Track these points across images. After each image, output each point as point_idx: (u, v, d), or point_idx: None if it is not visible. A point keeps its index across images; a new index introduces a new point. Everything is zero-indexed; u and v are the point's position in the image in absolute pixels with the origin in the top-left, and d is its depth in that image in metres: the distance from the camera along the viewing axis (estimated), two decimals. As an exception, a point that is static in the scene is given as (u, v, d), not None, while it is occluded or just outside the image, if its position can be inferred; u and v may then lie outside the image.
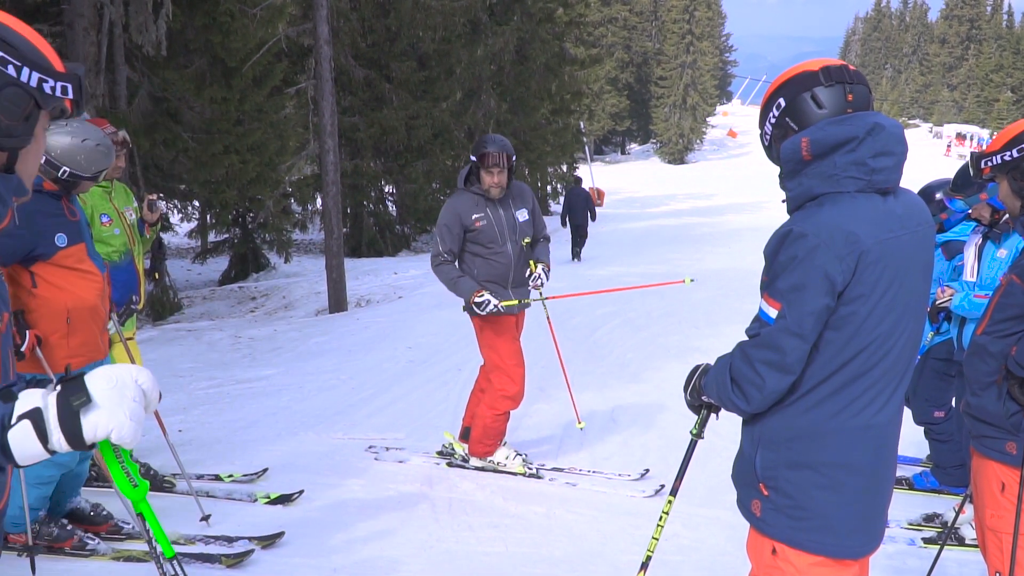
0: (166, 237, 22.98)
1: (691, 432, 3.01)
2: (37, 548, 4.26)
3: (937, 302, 5.13)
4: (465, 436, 6.21)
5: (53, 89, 1.84)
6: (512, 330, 5.88)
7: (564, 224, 21.59)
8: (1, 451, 1.55)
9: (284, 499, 5.41)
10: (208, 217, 20.22)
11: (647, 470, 5.96)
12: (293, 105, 20.68)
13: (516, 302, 5.76)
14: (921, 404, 5.64)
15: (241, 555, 4.56)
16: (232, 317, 15.10)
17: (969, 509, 4.27)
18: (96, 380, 1.59)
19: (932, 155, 57.30)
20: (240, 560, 4.53)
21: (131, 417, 1.59)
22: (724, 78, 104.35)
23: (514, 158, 5.72)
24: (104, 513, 4.82)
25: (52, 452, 1.57)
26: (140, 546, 4.68)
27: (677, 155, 73.25)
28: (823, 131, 2.39)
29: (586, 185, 25.71)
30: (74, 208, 4.50)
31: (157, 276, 15.16)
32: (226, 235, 21.30)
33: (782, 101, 2.51)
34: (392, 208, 26.81)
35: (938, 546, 4.36)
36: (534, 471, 5.99)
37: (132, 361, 5.23)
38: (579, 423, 6.93)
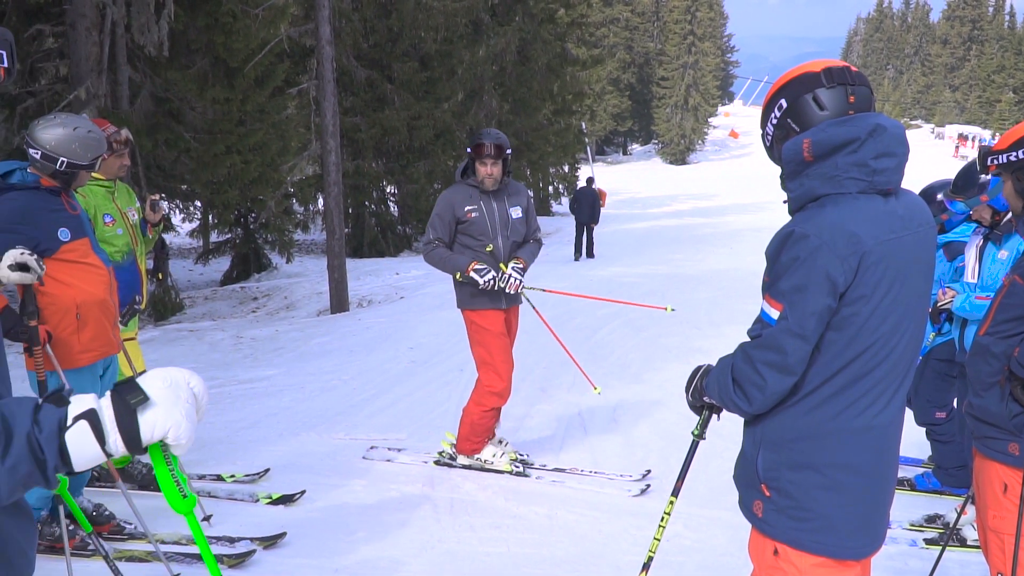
0: (168, 237, 23.00)
1: (693, 433, 3.01)
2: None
3: (938, 304, 5.13)
4: None
5: None
6: (501, 326, 5.90)
7: (573, 212, 22.17)
8: (59, 455, 1.50)
9: (286, 499, 5.41)
10: (210, 217, 20.22)
11: (649, 471, 5.96)
12: (295, 105, 20.69)
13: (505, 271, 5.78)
14: (923, 405, 5.64)
15: (243, 555, 4.56)
16: (234, 317, 15.10)
17: (971, 510, 4.28)
18: (151, 380, 1.56)
19: (939, 156, 57.24)
20: (242, 560, 4.53)
21: (187, 417, 1.57)
22: (726, 79, 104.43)
23: (509, 151, 5.80)
24: (107, 513, 4.82)
25: (109, 455, 1.53)
26: (142, 546, 4.69)
27: (679, 156, 73.34)
28: (825, 132, 2.39)
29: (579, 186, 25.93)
30: (74, 203, 4.51)
31: (160, 276, 15.17)
32: (228, 235, 21.31)
33: (784, 102, 2.51)
34: (394, 208, 26.84)
35: (940, 547, 4.36)
36: (520, 469, 6.00)
37: (131, 362, 5.23)
38: (595, 389, 6.96)
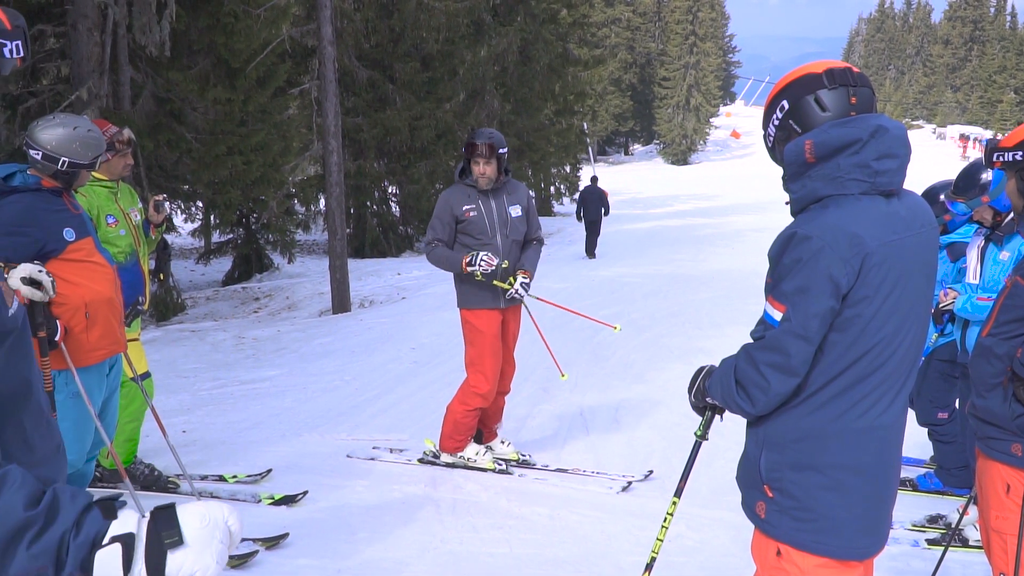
0: (169, 237, 23.01)
1: (695, 433, 3.01)
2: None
3: (940, 305, 5.13)
4: (478, 439, 6.26)
5: (11, 52, 1.79)
6: (496, 328, 5.91)
7: (579, 219, 22.14)
8: (81, 569, 1.44)
9: (288, 500, 5.41)
10: (212, 218, 20.21)
11: (651, 471, 5.97)
12: (297, 106, 20.67)
13: (503, 276, 5.80)
14: (925, 405, 5.64)
15: (245, 556, 4.56)
16: (235, 318, 15.11)
17: (973, 510, 4.28)
18: (189, 517, 1.51)
19: (944, 157, 57.19)
20: (244, 561, 4.53)
21: (218, 560, 1.51)
22: (727, 79, 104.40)
23: (504, 150, 5.81)
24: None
25: None
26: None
27: (680, 156, 73.29)
28: (827, 134, 2.39)
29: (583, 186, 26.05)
30: (75, 203, 4.52)
31: (162, 277, 15.15)
32: (230, 236, 21.30)
33: (786, 103, 2.51)
34: (395, 209, 26.83)
35: (942, 547, 4.36)
36: (504, 468, 6.01)
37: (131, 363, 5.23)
38: (563, 375, 6.96)
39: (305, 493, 5.49)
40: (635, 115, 75.38)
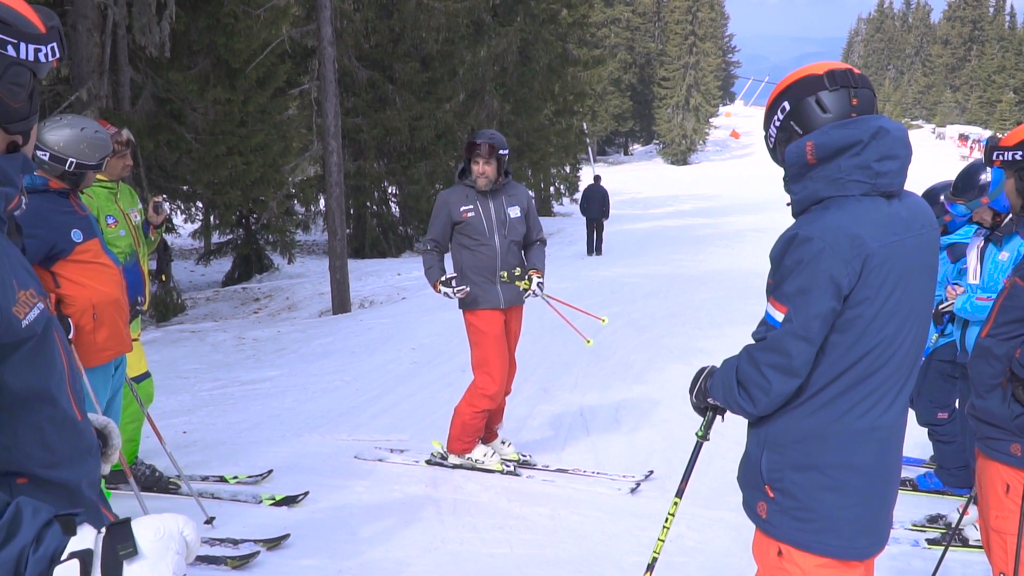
0: (169, 238, 23.01)
1: (696, 434, 3.02)
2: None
3: (941, 306, 5.14)
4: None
5: (46, 56, 1.81)
6: (499, 329, 5.92)
7: (584, 214, 22.88)
8: (44, 567, 1.47)
9: (289, 500, 5.42)
10: (212, 218, 20.21)
11: (651, 471, 5.97)
12: (296, 106, 20.67)
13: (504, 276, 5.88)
14: (925, 405, 5.65)
15: (246, 557, 4.57)
16: (236, 318, 15.11)
17: (973, 510, 4.29)
18: (144, 529, 1.54)
19: (944, 157, 57.20)
20: (245, 562, 4.54)
21: (173, 571, 1.54)
22: (727, 79, 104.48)
23: (504, 152, 5.82)
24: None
25: None
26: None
27: (680, 156, 73.35)
28: (828, 135, 2.40)
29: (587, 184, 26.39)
30: (82, 204, 4.53)
31: (163, 278, 15.14)
32: (229, 236, 21.31)
33: (787, 104, 2.52)
34: (395, 209, 26.84)
35: (942, 547, 4.37)
36: (511, 469, 6.02)
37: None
38: (588, 341, 7.07)
39: (306, 494, 5.49)
40: (635, 115, 75.44)
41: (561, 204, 38.50)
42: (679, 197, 42.59)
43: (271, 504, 5.40)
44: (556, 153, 33.15)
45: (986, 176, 4.78)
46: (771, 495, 2.52)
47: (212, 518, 5.05)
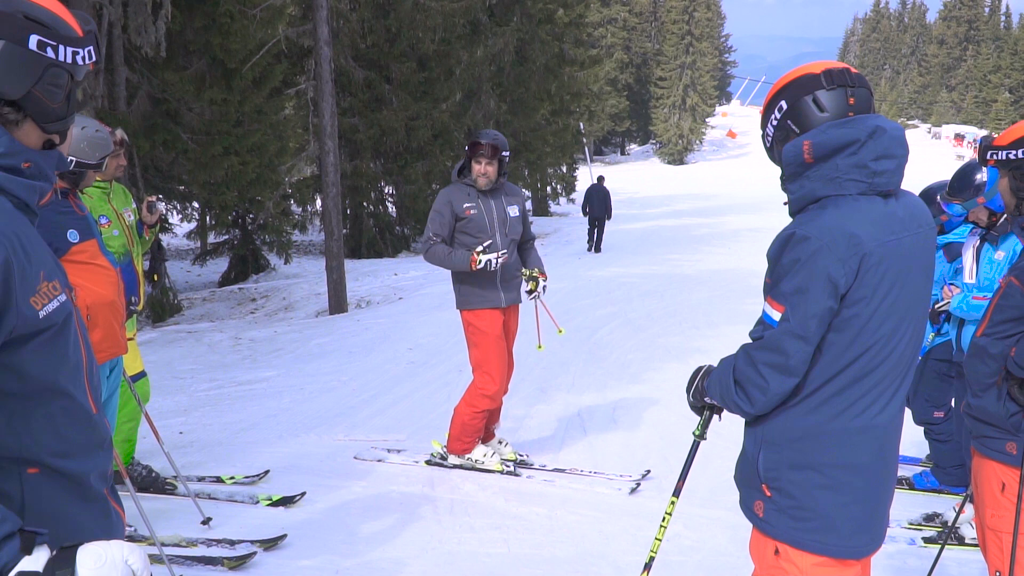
0: (165, 238, 23.01)
1: (694, 433, 3.02)
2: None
3: (936, 306, 5.14)
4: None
5: (83, 58, 1.87)
6: (499, 328, 5.92)
7: (585, 214, 23.32)
8: None
9: (286, 501, 5.41)
10: (208, 218, 20.23)
11: (648, 471, 5.97)
12: (293, 106, 20.70)
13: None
14: (921, 404, 5.66)
15: (243, 558, 4.56)
16: (232, 319, 15.10)
17: (969, 509, 4.29)
18: (85, 557, 1.58)
19: (943, 156, 57.31)
20: (242, 563, 4.53)
21: None
22: (723, 79, 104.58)
23: (506, 154, 5.82)
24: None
25: None
26: (143, 548, 4.68)
27: (677, 156, 73.39)
28: (825, 134, 2.40)
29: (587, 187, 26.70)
30: (81, 204, 4.52)
31: (156, 277, 15.15)
32: (226, 236, 21.31)
33: (784, 104, 2.52)
34: (392, 209, 26.84)
35: (938, 545, 4.37)
36: (511, 469, 6.01)
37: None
38: (559, 330, 6.90)
39: (303, 494, 5.49)
40: (631, 115, 75.44)
41: (558, 204, 38.51)
42: (676, 197, 42.61)
43: (268, 504, 5.39)
44: (553, 153, 33.18)
45: (982, 176, 4.79)
46: (768, 494, 2.52)
47: (209, 519, 5.05)
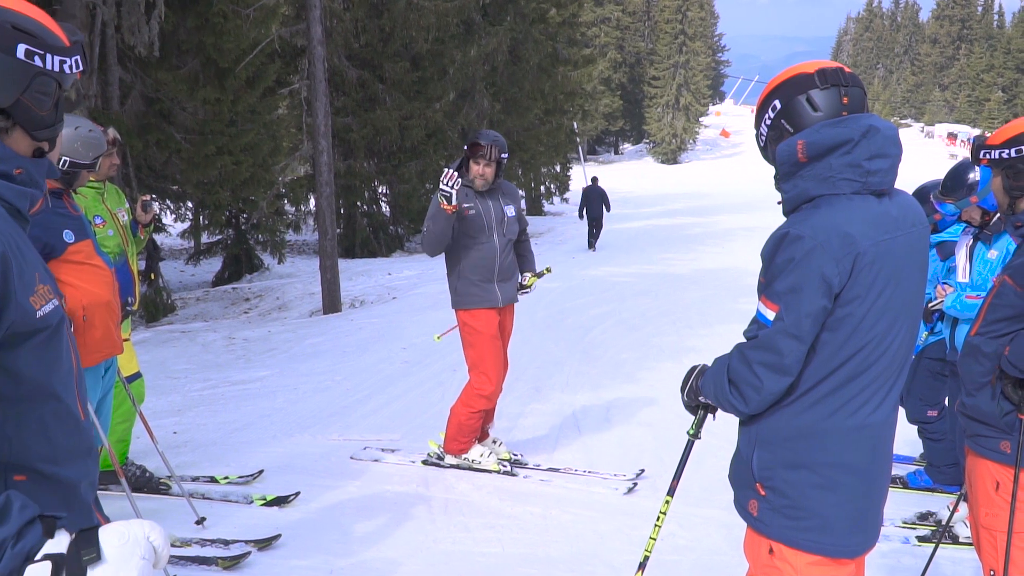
0: (159, 238, 22.95)
1: (688, 432, 3.02)
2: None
3: (930, 304, 5.15)
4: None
5: (71, 67, 1.92)
6: (495, 328, 5.92)
7: (581, 216, 23.62)
8: (19, 562, 1.56)
9: (280, 501, 5.41)
10: (201, 218, 20.19)
11: (642, 470, 5.98)
12: (286, 106, 20.67)
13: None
14: (915, 403, 5.67)
15: (237, 557, 4.56)
16: (226, 318, 15.08)
17: (963, 507, 4.30)
18: (108, 535, 1.61)
19: (944, 156, 57.42)
20: (237, 562, 4.53)
21: (139, 574, 1.61)
22: (717, 78, 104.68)
23: (505, 155, 5.82)
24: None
25: None
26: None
27: (670, 155, 73.43)
28: (819, 133, 2.40)
29: (581, 186, 26.96)
30: (75, 204, 4.51)
31: (152, 277, 15.11)
32: (219, 236, 21.27)
33: (778, 103, 2.52)
34: (385, 208, 26.81)
35: (932, 544, 4.38)
36: (508, 469, 6.01)
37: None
38: (547, 268, 6.58)
39: (297, 494, 5.48)
40: (625, 114, 75.49)
41: (551, 203, 38.51)
42: (669, 196, 42.64)
43: (262, 504, 5.39)
44: (546, 152, 33.20)
45: (975, 175, 4.80)
46: (762, 493, 2.52)
47: (203, 518, 5.04)
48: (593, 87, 51.67)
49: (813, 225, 2.35)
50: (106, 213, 5.44)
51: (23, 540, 1.56)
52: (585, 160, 45.86)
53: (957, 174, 4.92)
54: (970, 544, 4.50)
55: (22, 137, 1.89)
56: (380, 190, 26.49)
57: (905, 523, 5.24)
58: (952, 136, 71.19)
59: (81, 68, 1.94)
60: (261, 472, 5.91)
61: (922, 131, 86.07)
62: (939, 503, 5.49)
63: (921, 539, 5.00)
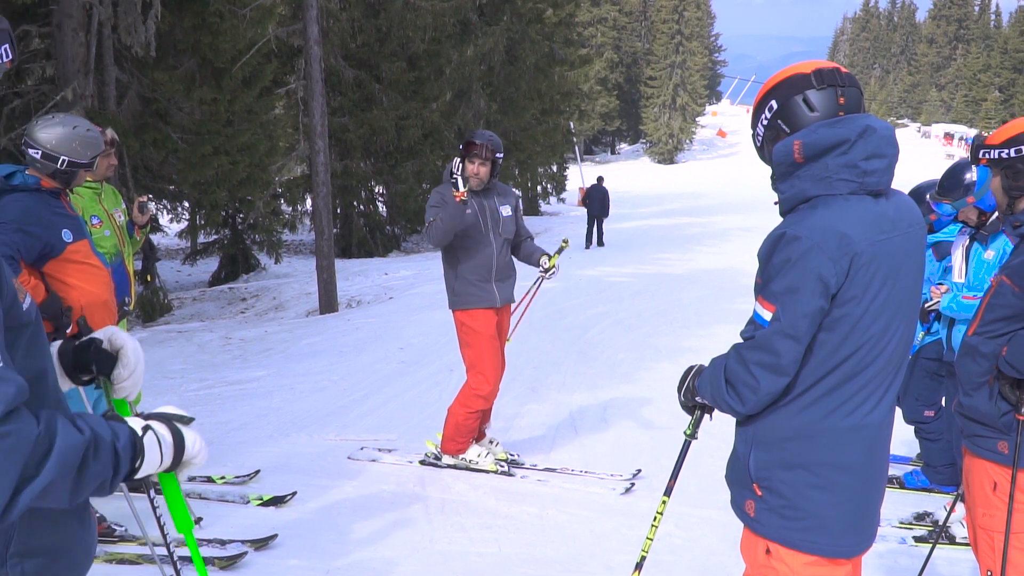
0: (156, 238, 22.93)
1: (685, 433, 3.02)
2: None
3: (926, 305, 5.15)
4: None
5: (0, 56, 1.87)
6: (493, 328, 5.91)
7: (585, 205, 24.83)
8: (133, 458, 1.71)
9: (277, 501, 5.40)
10: (198, 218, 20.15)
11: (639, 470, 5.97)
12: (283, 106, 20.63)
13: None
14: (911, 403, 5.67)
15: (234, 557, 4.55)
16: (222, 318, 15.07)
17: (960, 508, 4.30)
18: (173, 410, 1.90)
19: (940, 156, 57.49)
20: (233, 562, 4.52)
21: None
22: (713, 78, 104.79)
23: (500, 155, 5.81)
24: (97, 515, 4.81)
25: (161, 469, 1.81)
26: (133, 548, 4.68)
27: (667, 155, 73.44)
28: (815, 134, 2.40)
29: (578, 186, 27.30)
30: (71, 204, 4.52)
31: (149, 278, 15.11)
32: (216, 236, 21.25)
33: (774, 103, 2.52)
34: (382, 208, 26.82)
35: (929, 545, 4.38)
36: (506, 469, 6.01)
37: None
38: (564, 242, 6.80)
39: (294, 494, 5.48)
40: (621, 114, 75.51)
41: (548, 203, 38.51)
42: (666, 196, 42.65)
43: (259, 504, 5.38)
44: (543, 152, 33.19)
45: (971, 175, 4.80)
46: (759, 493, 2.52)
47: (200, 519, 5.03)
48: (590, 87, 51.68)
49: (810, 225, 2.35)
50: (103, 213, 5.43)
51: (121, 433, 1.69)
52: (582, 160, 45.87)
53: (954, 174, 4.92)
54: (967, 544, 4.50)
55: None
56: (377, 190, 26.50)
57: (902, 523, 5.24)
58: (949, 136, 71.36)
59: (10, 56, 1.90)
60: (258, 472, 5.90)
61: (919, 131, 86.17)
62: (936, 503, 5.49)
63: (918, 539, 5.01)
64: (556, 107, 33.11)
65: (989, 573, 3.11)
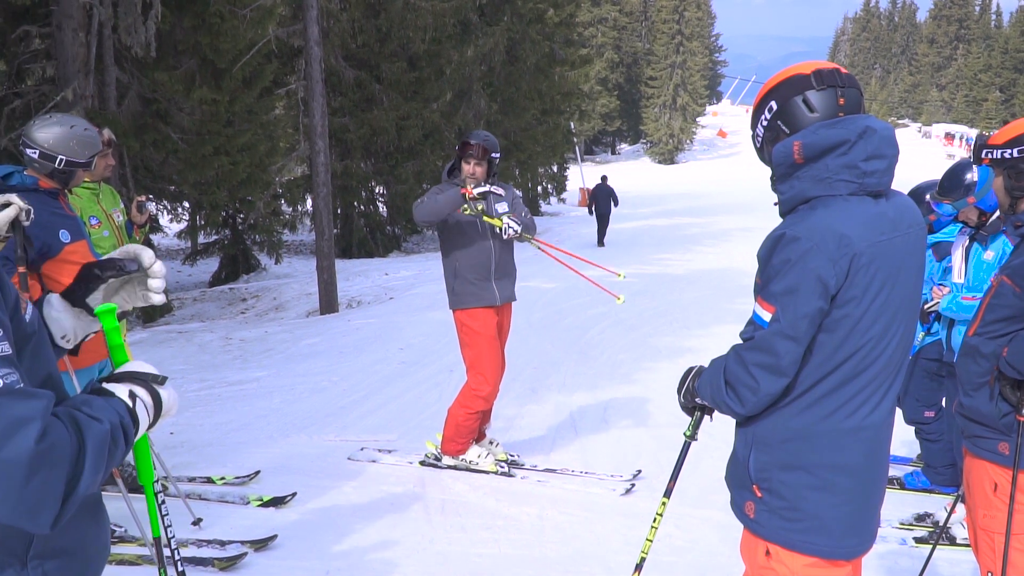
0: (156, 238, 22.93)
1: (684, 434, 3.01)
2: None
3: (926, 306, 5.15)
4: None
5: None
6: (493, 329, 5.91)
7: (591, 213, 24.96)
8: (131, 417, 1.77)
9: (277, 501, 5.40)
10: (198, 218, 20.13)
11: (639, 471, 5.97)
12: (283, 106, 20.62)
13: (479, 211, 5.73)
14: (912, 404, 5.66)
15: (234, 558, 4.55)
16: (223, 319, 15.06)
17: (960, 509, 4.30)
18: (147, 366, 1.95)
19: (941, 157, 57.47)
20: (233, 563, 4.52)
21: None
22: (714, 78, 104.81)
23: (496, 155, 5.80)
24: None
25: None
26: (132, 549, 4.68)
27: (667, 155, 73.45)
28: (815, 134, 2.39)
29: (578, 186, 27.41)
30: (70, 205, 4.52)
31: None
32: (216, 236, 21.23)
33: (774, 104, 2.51)
34: (382, 209, 26.80)
35: (930, 546, 4.38)
36: (506, 470, 6.01)
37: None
38: (618, 299, 7.00)
39: (294, 495, 5.47)
40: (622, 114, 75.53)
41: (548, 203, 38.50)
42: (666, 196, 42.62)
43: (259, 505, 5.38)
44: (543, 153, 33.16)
45: (972, 175, 4.80)
46: (759, 495, 2.52)
47: (199, 519, 5.03)
48: (590, 87, 51.67)
49: (809, 226, 2.34)
50: (101, 214, 5.43)
51: (121, 414, 1.74)
52: (582, 160, 45.86)
53: (955, 174, 4.91)
54: (967, 545, 4.50)
55: None
56: (377, 190, 26.48)
57: (902, 524, 5.24)
58: (949, 136, 71.35)
59: None
60: (258, 473, 5.90)
61: (919, 131, 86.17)
62: (936, 504, 5.49)
63: (918, 540, 5.00)
64: (556, 107, 33.09)
65: (990, 574, 3.10)
